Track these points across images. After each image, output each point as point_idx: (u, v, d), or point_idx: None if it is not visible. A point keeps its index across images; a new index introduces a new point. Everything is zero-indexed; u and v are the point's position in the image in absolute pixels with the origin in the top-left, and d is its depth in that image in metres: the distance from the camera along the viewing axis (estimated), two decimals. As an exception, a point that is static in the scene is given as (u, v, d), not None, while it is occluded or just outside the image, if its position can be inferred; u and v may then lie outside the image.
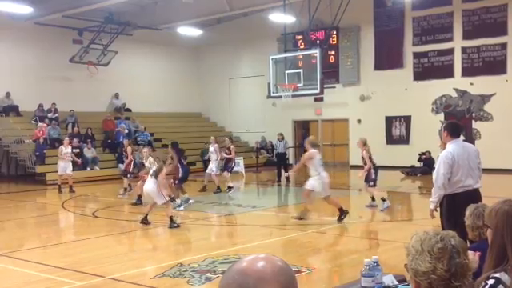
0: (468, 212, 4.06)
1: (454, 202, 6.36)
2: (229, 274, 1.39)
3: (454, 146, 6.46)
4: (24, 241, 10.20)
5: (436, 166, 6.59)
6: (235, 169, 20.91)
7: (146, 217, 10.85)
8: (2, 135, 21.28)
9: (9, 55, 22.06)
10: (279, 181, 18.93)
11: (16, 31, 21.62)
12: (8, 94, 22.14)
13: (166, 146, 16.50)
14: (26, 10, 19.69)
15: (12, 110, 22.23)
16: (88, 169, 20.81)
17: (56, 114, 22.59)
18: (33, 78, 22.50)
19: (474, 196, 6.34)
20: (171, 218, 10.63)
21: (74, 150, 18.72)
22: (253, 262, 1.39)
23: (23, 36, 22.04)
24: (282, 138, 19.79)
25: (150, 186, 10.75)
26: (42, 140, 20.45)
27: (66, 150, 17.01)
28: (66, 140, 17.69)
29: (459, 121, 21.05)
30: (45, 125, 21.35)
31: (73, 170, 17.30)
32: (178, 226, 10.60)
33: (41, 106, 22.53)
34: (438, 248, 2.05)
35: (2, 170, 21.93)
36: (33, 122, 21.92)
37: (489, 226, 2.74)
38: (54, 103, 22.61)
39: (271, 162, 24.28)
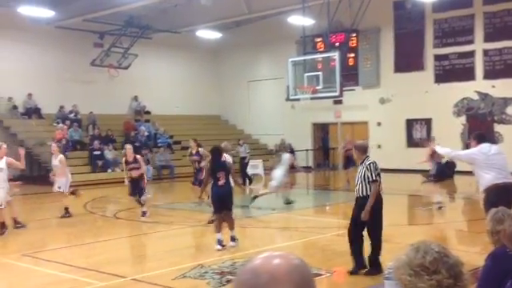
0: (488, 217, 3.99)
1: (495, 192, 6.89)
2: (242, 271, 1.32)
3: (486, 144, 7.33)
4: (47, 241, 10.33)
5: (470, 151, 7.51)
6: (254, 171, 20.94)
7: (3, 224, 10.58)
8: (24, 137, 21.54)
9: (31, 58, 22.37)
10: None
11: (38, 34, 21.93)
12: (30, 95, 22.44)
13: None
14: (48, 13, 19.95)
15: (34, 112, 22.51)
16: (109, 170, 21.02)
17: (77, 116, 22.82)
18: (54, 80, 22.79)
19: (509, 190, 6.98)
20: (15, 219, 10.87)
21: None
22: (267, 260, 1.32)
23: (45, 39, 22.35)
24: (244, 143, 20.67)
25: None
26: (64, 141, 20.59)
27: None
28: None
29: (481, 124, 20.89)
30: (65, 126, 21.57)
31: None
32: (23, 226, 10.87)
33: (62, 107, 22.80)
34: (429, 262, 1.95)
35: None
36: (55, 124, 22.12)
37: None
38: (74, 105, 22.86)
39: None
